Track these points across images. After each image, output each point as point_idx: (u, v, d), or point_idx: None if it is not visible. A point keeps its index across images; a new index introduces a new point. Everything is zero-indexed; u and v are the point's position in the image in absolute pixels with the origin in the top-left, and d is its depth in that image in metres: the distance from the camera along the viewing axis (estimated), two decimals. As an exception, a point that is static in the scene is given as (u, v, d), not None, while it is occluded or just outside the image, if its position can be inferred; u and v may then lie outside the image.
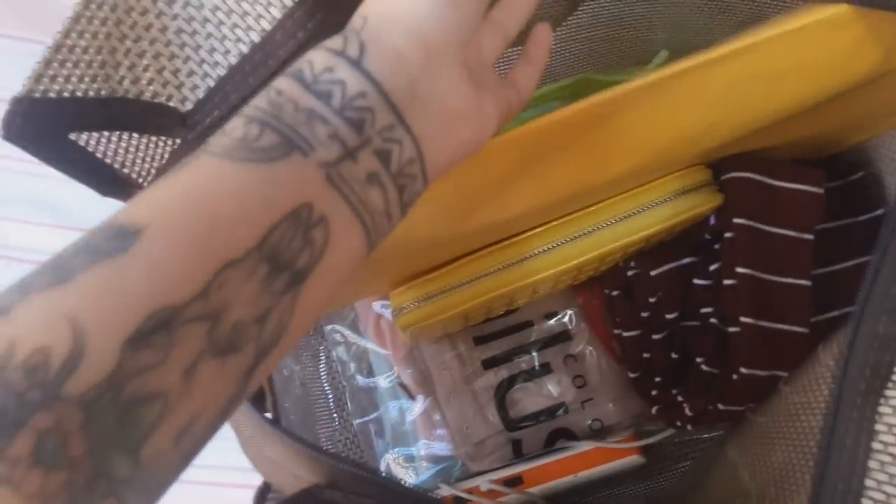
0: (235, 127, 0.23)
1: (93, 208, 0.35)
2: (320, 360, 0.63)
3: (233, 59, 0.31)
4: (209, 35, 0.31)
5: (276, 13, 0.30)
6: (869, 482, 0.24)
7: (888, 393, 0.24)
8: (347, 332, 0.59)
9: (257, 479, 0.40)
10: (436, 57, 0.26)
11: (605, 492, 0.56)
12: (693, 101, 0.37)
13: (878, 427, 0.24)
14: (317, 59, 0.24)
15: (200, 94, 0.31)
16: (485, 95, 0.29)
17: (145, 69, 0.31)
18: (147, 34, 0.31)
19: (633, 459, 0.52)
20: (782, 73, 0.35)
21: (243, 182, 0.21)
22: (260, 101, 0.23)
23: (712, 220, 0.46)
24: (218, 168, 0.22)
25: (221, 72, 0.31)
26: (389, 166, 0.24)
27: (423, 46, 0.25)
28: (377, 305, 0.57)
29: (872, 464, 0.24)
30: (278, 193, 0.22)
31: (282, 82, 0.24)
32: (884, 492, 0.23)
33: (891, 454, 0.24)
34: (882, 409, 0.24)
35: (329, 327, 0.59)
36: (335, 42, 0.25)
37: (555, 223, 0.43)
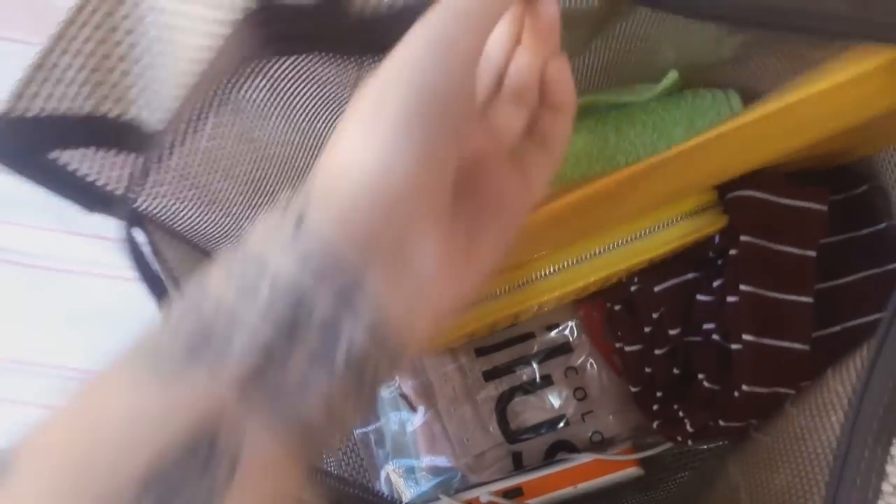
0: (148, 328, 0.20)
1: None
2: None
3: (192, 79, 0.30)
4: (174, 56, 0.30)
5: (225, 30, 0.29)
6: (879, 525, 0.24)
7: (901, 435, 0.24)
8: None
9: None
10: (398, 218, 0.21)
11: (604, 502, 0.56)
12: (723, 157, 0.37)
13: (889, 469, 0.24)
14: (252, 238, 0.21)
15: (164, 114, 0.31)
16: (483, 235, 0.25)
17: (128, 89, 0.31)
18: (131, 54, 0.30)
19: (632, 471, 0.52)
20: (823, 118, 0.35)
21: (138, 400, 0.18)
22: (193, 290, 0.21)
23: (717, 239, 0.45)
24: (117, 378, 0.19)
25: (184, 91, 0.30)
26: (335, 362, 0.20)
27: (382, 207, 0.21)
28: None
29: (882, 505, 0.24)
30: (175, 417, 0.18)
31: (213, 271, 0.21)
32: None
33: (901, 497, 0.24)
34: (894, 449, 0.24)
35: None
36: (270, 220, 0.21)
37: (563, 253, 0.43)
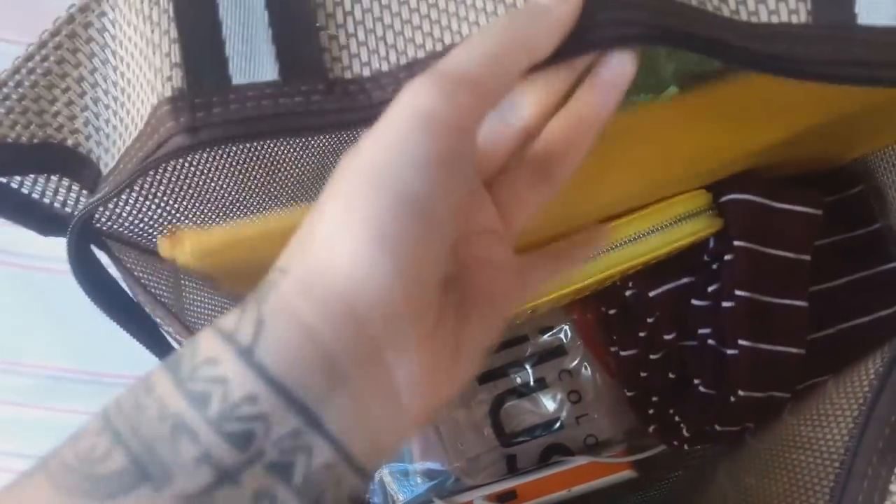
0: (87, 433, 0.18)
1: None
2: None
3: (126, 142, 0.29)
4: (122, 104, 0.30)
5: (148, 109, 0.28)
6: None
7: (906, 457, 0.24)
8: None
9: None
10: (375, 331, 0.19)
11: (598, 503, 0.56)
12: (698, 126, 0.36)
13: (893, 488, 0.24)
14: (202, 342, 0.18)
15: (113, 162, 0.30)
16: (470, 329, 0.22)
17: (85, 123, 0.30)
18: (78, 87, 0.30)
19: (626, 474, 0.52)
20: (797, 102, 0.35)
21: None
22: (126, 398, 0.18)
23: (712, 244, 0.45)
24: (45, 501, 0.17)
25: (119, 152, 0.30)
26: (291, 480, 0.18)
27: (353, 317, 0.18)
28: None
29: (886, 528, 0.24)
30: None
31: (156, 373, 0.18)
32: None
33: (906, 520, 0.23)
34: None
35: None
36: (228, 319, 0.19)
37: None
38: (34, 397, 0.70)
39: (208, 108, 0.26)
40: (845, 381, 0.34)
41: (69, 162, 0.31)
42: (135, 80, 0.29)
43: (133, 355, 0.41)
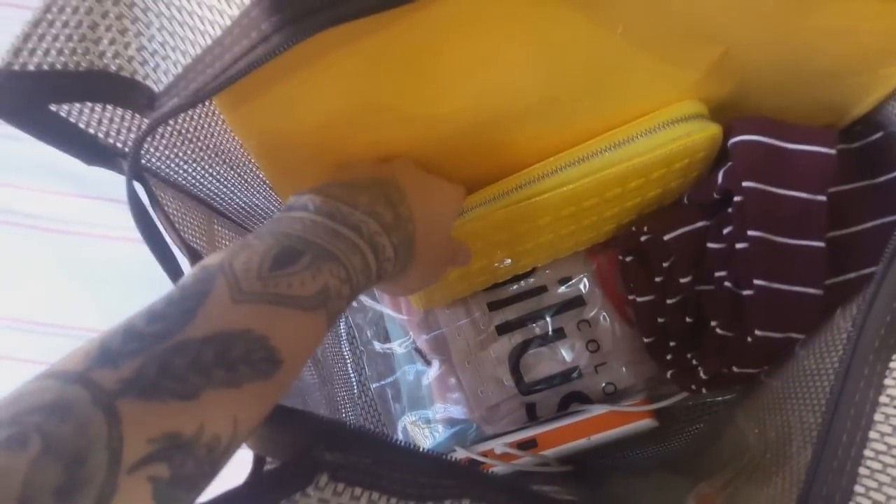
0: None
1: (119, 179, 0.36)
2: (339, 326, 0.64)
3: (198, 49, 0.31)
4: (182, 23, 0.31)
5: (234, 11, 0.30)
6: (873, 434, 0.24)
7: (899, 348, 0.24)
8: (364, 298, 0.60)
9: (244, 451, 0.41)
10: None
11: (617, 453, 0.56)
12: None
13: (887, 381, 0.24)
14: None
15: (170, 78, 0.32)
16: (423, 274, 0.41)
17: (126, 46, 0.32)
18: (129, 12, 0.31)
19: (647, 423, 0.52)
20: None
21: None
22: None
23: (720, 180, 0.45)
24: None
25: (188, 60, 0.31)
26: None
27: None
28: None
29: (878, 416, 0.24)
30: None
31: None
32: (886, 443, 0.24)
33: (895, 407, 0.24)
34: (893, 364, 0.24)
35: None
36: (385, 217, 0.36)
37: (552, 158, 0.46)
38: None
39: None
40: (850, 308, 0.34)
41: (115, 88, 0.33)
42: None
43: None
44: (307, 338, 0.28)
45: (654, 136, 0.43)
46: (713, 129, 0.44)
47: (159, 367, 0.23)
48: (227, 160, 0.44)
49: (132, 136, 0.36)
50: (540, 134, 0.47)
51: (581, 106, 0.45)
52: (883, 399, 0.24)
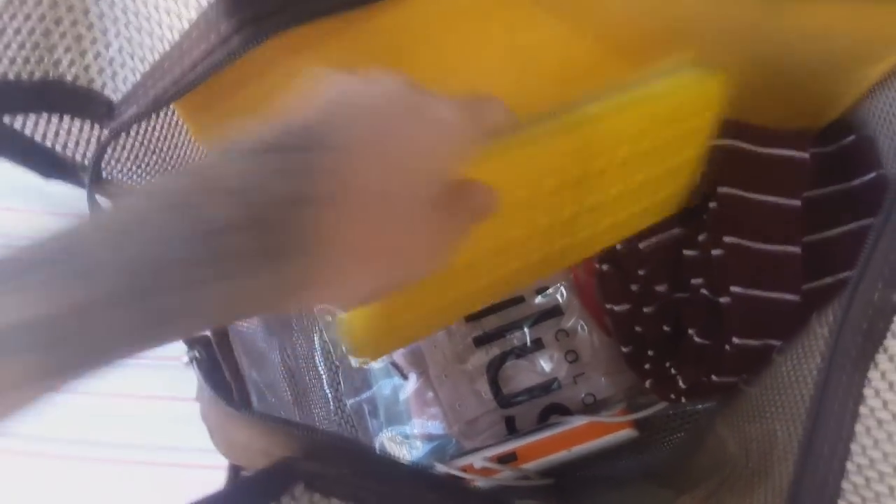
0: None
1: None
2: (313, 341, 0.63)
3: (155, 55, 0.30)
4: (139, 28, 0.30)
5: (193, 13, 0.29)
6: (854, 447, 0.24)
7: (878, 358, 0.24)
8: (338, 311, 0.58)
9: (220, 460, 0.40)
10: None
11: (598, 464, 0.56)
12: None
13: (867, 392, 0.24)
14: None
15: (129, 86, 0.31)
16: None
17: (82, 54, 0.31)
18: (84, 19, 0.30)
19: (627, 433, 0.52)
20: None
21: None
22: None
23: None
24: None
25: (146, 67, 0.30)
26: None
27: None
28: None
29: (859, 428, 0.24)
30: None
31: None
32: (868, 456, 0.23)
33: (877, 419, 0.23)
34: (871, 374, 0.24)
35: (319, 307, 0.59)
36: None
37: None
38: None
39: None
40: (827, 314, 0.34)
41: (72, 98, 0.32)
42: (153, 0, 0.30)
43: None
44: None
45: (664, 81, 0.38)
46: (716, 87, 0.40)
47: None
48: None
49: (92, 147, 0.35)
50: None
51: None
52: (863, 410, 0.24)
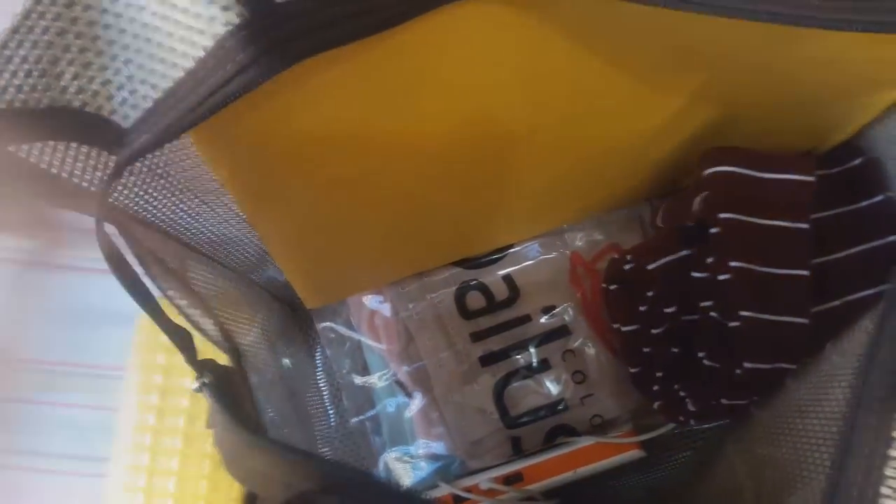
0: None
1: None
2: (315, 359, 0.62)
3: (169, 83, 0.29)
4: (151, 55, 0.30)
5: (208, 42, 0.28)
6: (885, 490, 0.23)
7: (909, 401, 0.23)
8: (341, 329, 0.58)
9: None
10: None
11: (604, 483, 0.55)
12: None
13: (896, 434, 0.24)
14: None
15: (140, 113, 0.30)
16: None
17: (91, 80, 0.30)
18: (93, 45, 0.30)
19: (634, 454, 0.51)
20: None
21: None
22: None
23: (696, 207, 0.45)
24: None
25: (158, 94, 0.30)
26: None
27: None
28: (370, 300, 0.56)
29: (889, 471, 0.23)
30: None
31: None
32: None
33: (910, 464, 0.23)
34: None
35: (322, 325, 0.58)
36: None
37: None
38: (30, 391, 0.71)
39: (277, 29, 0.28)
40: (843, 342, 0.34)
41: (79, 125, 0.31)
42: (166, 27, 0.29)
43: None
44: None
45: None
46: None
47: None
48: (198, 192, 0.42)
49: (99, 174, 0.34)
50: (525, 165, 0.46)
51: (564, 135, 0.44)
52: (893, 453, 0.23)
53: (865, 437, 0.25)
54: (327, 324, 0.58)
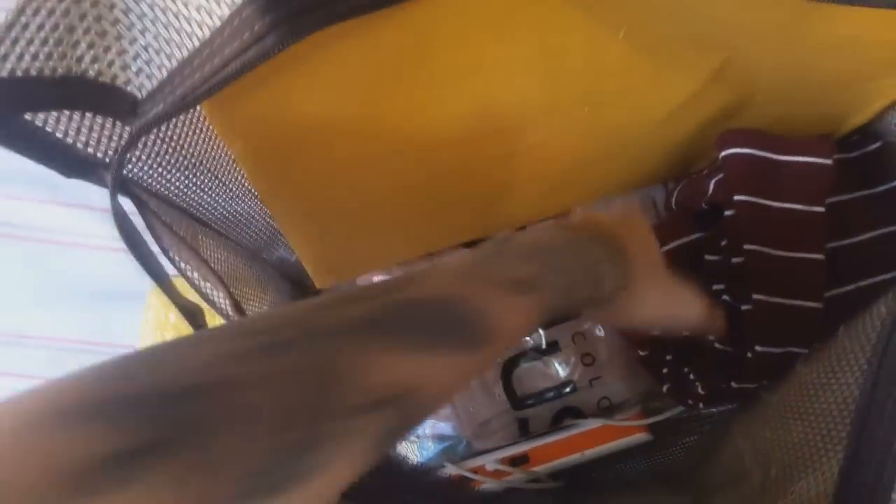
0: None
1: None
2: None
3: (184, 52, 0.29)
4: (167, 24, 0.29)
5: (226, 10, 0.28)
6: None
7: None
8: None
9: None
10: None
11: (610, 466, 0.55)
12: None
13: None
14: None
15: (154, 83, 0.30)
16: None
17: (106, 50, 0.30)
18: (109, 14, 0.29)
19: (641, 437, 0.51)
20: None
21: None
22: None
23: (710, 190, 0.44)
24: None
25: (174, 64, 0.29)
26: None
27: None
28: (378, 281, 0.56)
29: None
30: None
31: None
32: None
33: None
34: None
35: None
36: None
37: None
38: (43, 369, 0.71)
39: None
40: (857, 327, 0.34)
41: (93, 95, 0.31)
42: None
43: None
44: (514, 319, 0.27)
45: None
46: None
47: (394, 314, 0.23)
48: (211, 168, 0.42)
49: (113, 145, 0.34)
50: (539, 146, 0.45)
51: (580, 114, 0.44)
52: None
53: (881, 423, 0.24)
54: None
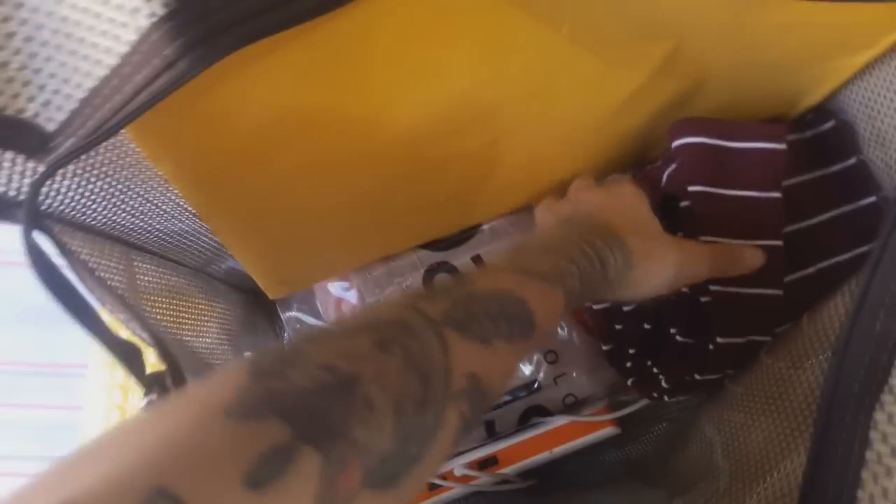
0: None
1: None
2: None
3: (93, 82, 0.27)
4: (72, 52, 0.27)
5: (132, 36, 0.26)
6: (861, 494, 0.23)
7: (884, 399, 0.22)
8: (307, 318, 0.56)
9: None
10: None
11: (581, 461, 0.55)
12: None
13: (873, 435, 0.23)
14: None
15: (64, 115, 0.28)
16: None
17: (9, 81, 0.28)
18: (9, 43, 0.27)
19: (609, 430, 0.51)
20: None
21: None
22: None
23: (664, 181, 0.43)
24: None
25: (83, 94, 0.27)
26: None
27: None
28: (335, 288, 0.54)
29: (865, 475, 0.22)
30: None
31: None
32: (874, 504, 0.22)
33: (886, 466, 0.22)
34: (877, 415, 0.23)
35: (287, 315, 0.56)
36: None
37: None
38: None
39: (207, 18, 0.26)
40: (820, 315, 0.33)
41: (2, 130, 0.29)
42: (86, 21, 0.27)
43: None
44: (551, 307, 0.30)
45: None
46: None
47: (464, 308, 0.25)
48: (140, 191, 0.40)
49: (25, 181, 0.31)
50: (491, 144, 0.44)
51: (529, 111, 0.42)
52: (870, 456, 0.22)
53: (840, 437, 0.24)
54: (293, 314, 0.56)
